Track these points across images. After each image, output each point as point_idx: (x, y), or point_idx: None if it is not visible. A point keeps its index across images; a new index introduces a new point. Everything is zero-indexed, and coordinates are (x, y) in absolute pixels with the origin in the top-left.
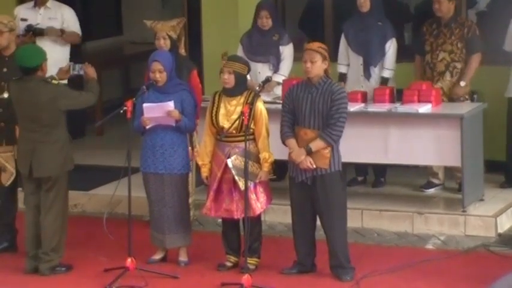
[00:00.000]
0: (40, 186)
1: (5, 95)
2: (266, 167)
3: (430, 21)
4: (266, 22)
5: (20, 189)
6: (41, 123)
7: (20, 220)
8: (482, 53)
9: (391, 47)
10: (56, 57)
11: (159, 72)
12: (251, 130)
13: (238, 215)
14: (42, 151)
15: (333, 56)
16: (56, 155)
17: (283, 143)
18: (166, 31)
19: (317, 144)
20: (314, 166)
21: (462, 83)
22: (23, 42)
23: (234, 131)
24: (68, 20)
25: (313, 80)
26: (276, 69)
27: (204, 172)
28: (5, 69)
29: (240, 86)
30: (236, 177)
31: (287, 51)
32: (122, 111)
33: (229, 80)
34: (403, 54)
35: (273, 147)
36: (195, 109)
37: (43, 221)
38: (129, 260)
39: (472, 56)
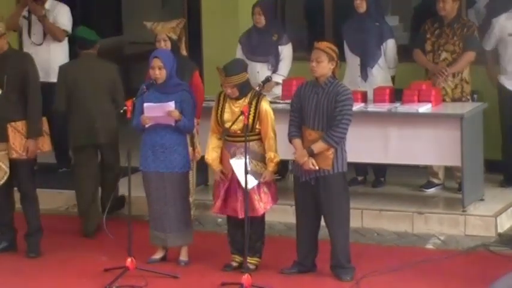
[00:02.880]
0: (96, 154)
1: None
2: (271, 166)
3: (432, 19)
4: (259, 19)
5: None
6: (99, 96)
7: (19, 220)
8: (478, 54)
9: (388, 47)
10: (54, 58)
11: (158, 69)
12: (257, 130)
13: (242, 214)
14: (102, 120)
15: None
16: (113, 123)
17: (290, 142)
18: (166, 33)
19: (319, 146)
20: (317, 167)
21: (447, 71)
22: (35, 11)
23: (238, 131)
24: (58, 13)
25: (320, 80)
26: (275, 69)
27: (216, 167)
28: None
29: (244, 90)
30: (239, 177)
31: (286, 51)
32: (122, 110)
33: (234, 92)
34: (403, 55)
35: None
36: (194, 109)
37: (102, 185)
38: (129, 260)
39: (465, 53)
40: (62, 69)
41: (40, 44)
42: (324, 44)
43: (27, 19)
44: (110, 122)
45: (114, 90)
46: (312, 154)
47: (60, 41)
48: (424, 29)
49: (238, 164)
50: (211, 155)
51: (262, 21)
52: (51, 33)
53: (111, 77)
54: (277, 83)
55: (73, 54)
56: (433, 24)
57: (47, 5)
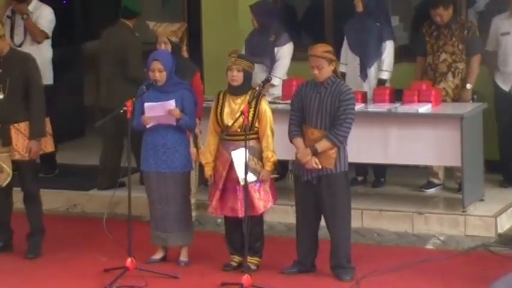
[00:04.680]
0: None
1: (0, 96)
2: (269, 166)
3: (429, 22)
4: (253, 21)
5: (16, 189)
6: (112, 65)
7: (20, 220)
8: (482, 54)
9: (386, 48)
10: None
11: (158, 72)
12: (256, 129)
13: (242, 213)
14: (120, 86)
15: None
16: (130, 90)
17: (291, 141)
18: (167, 35)
19: (323, 145)
20: (320, 167)
21: (468, 86)
22: (20, 11)
23: (238, 130)
24: (40, 14)
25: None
26: (270, 71)
27: (208, 171)
28: (0, 70)
29: (246, 85)
30: (237, 171)
31: (283, 51)
32: (122, 111)
33: (238, 77)
34: (403, 55)
35: (275, 147)
36: (195, 107)
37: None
38: (129, 260)
39: (473, 57)
40: (104, 31)
41: (20, 45)
42: (319, 50)
43: (11, 19)
44: (120, 93)
45: (126, 62)
46: (315, 153)
47: (39, 42)
48: (422, 32)
49: (238, 155)
50: (207, 158)
51: (255, 23)
52: (31, 33)
53: (125, 49)
54: (272, 85)
55: (56, 56)
56: (431, 26)
57: (30, 7)
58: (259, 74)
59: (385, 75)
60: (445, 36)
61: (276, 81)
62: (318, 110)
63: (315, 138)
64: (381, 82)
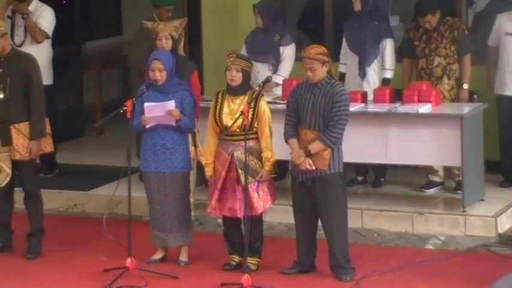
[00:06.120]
0: None
1: (1, 95)
2: (268, 166)
3: (415, 25)
4: (257, 20)
5: (18, 189)
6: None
7: (16, 220)
8: (473, 53)
9: (386, 47)
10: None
11: (158, 71)
12: (255, 129)
13: (241, 213)
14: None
15: (333, 56)
16: None
17: (286, 142)
18: (169, 31)
19: (316, 146)
20: (313, 168)
21: (465, 86)
22: (20, 11)
23: (237, 130)
24: (40, 14)
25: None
26: (275, 70)
27: (208, 171)
28: (0, 70)
29: (245, 85)
30: (239, 171)
31: (287, 51)
32: (121, 111)
33: (237, 77)
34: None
35: (274, 147)
36: (194, 109)
37: None
38: (129, 260)
39: (464, 57)
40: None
41: (20, 45)
42: (312, 52)
43: (11, 19)
44: None
45: None
46: (308, 154)
47: (39, 42)
48: (408, 36)
49: (240, 158)
50: (208, 159)
51: (260, 22)
52: (31, 33)
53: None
54: (277, 84)
55: (56, 56)
56: (418, 29)
57: (31, 7)
58: (263, 73)
59: (388, 74)
60: (435, 40)
61: (281, 80)
62: (312, 111)
63: (309, 139)
64: (385, 81)
